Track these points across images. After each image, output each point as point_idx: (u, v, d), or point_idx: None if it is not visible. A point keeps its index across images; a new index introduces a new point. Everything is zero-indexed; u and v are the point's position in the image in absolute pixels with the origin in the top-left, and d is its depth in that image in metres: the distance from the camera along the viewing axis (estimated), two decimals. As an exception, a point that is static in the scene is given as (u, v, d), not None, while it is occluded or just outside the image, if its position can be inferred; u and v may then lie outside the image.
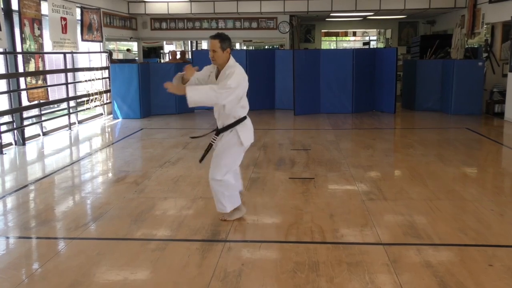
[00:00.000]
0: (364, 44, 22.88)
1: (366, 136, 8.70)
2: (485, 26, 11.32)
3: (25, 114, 8.47)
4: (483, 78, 10.85)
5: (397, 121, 10.55)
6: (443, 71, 11.18)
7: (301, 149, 7.50)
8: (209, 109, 12.73)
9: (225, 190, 4.22)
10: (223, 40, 4.06)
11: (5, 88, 7.97)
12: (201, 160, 4.34)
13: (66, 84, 9.80)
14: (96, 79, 11.09)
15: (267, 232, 4.21)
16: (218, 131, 4.24)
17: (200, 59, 12.28)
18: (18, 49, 8.21)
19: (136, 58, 15.24)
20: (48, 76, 9.20)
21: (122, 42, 15.27)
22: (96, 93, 10.94)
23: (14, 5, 8.14)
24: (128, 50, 15.39)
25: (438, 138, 8.46)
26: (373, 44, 22.34)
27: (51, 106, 9.76)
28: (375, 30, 21.38)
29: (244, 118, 4.20)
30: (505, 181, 5.94)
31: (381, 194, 5.13)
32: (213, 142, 4.25)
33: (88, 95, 10.68)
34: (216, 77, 4.15)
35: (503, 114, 10.19)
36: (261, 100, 11.87)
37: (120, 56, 15.54)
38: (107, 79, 11.54)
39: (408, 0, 12.87)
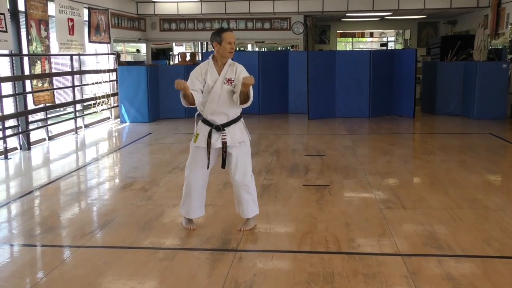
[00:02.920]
0: (382, 45, 22.69)
1: (384, 141, 8.55)
2: (509, 26, 11.08)
3: (31, 118, 8.38)
4: (508, 80, 10.59)
5: (416, 126, 10.39)
6: (465, 73, 10.96)
7: (316, 154, 7.36)
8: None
9: (254, 193, 4.25)
10: None
11: (10, 91, 7.90)
12: (223, 166, 4.21)
13: (73, 87, 9.74)
14: (104, 82, 11.03)
15: (279, 241, 4.10)
16: (221, 127, 4.11)
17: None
18: (24, 51, 8.15)
19: (145, 59, 15.18)
20: (54, 78, 9.14)
21: (130, 44, 15.23)
22: (103, 96, 10.87)
23: (21, 6, 8.08)
24: (137, 51, 15.34)
25: (459, 144, 8.31)
26: (391, 45, 22.11)
27: (57, 109, 9.68)
28: (393, 30, 21.14)
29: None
30: (531, 190, 5.79)
31: (399, 202, 4.99)
32: (226, 139, 4.11)
33: (95, 98, 10.61)
34: (219, 73, 4.12)
35: (529, 119, 9.96)
36: (274, 103, 11.75)
37: (129, 58, 15.50)
38: (115, 82, 11.47)
39: (428, 0, 12.66)
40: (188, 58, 12.51)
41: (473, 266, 3.53)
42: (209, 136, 4.10)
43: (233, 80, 4.07)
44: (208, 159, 4.14)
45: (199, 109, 4.19)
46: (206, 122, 4.14)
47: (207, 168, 4.21)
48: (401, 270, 3.44)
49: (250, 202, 4.20)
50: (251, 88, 3.97)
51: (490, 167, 6.61)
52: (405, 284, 3.24)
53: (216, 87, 4.06)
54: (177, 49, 18.16)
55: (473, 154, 7.36)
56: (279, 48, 16.40)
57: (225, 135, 4.10)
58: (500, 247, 3.83)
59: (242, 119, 4.25)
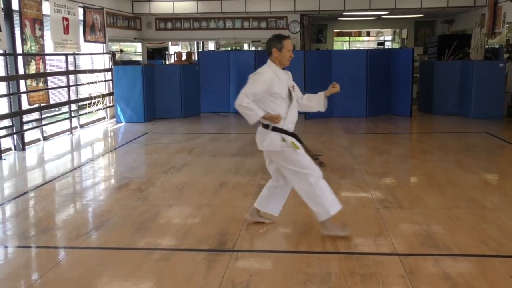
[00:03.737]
0: (379, 44, 22.66)
1: (381, 141, 8.55)
2: (506, 25, 11.09)
3: (25, 118, 8.33)
4: (505, 80, 10.59)
5: (413, 125, 10.40)
6: (462, 72, 10.96)
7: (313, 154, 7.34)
8: (215, 113, 12.59)
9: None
10: None
11: (4, 91, 7.84)
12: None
13: (68, 86, 9.68)
14: (99, 82, 10.98)
15: (276, 241, 4.10)
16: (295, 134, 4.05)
17: (206, 60, 12.22)
18: (19, 50, 8.10)
19: (129, 58, 15.11)
20: (49, 78, 9.08)
21: (126, 43, 15.17)
22: (98, 96, 10.81)
23: (15, 5, 8.03)
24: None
25: (456, 144, 8.30)
26: (388, 45, 22.08)
27: (52, 109, 9.63)
28: (390, 29, 21.10)
29: None
30: (528, 189, 5.77)
31: (396, 202, 4.98)
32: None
33: (90, 98, 10.56)
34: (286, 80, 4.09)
35: (527, 118, 9.95)
36: (270, 103, 11.72)
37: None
38: (110, 82, 11.42)
39: (425, -1, 12.66)
40: (184, 57, 12.47)
41: (470, 266, 3.52)
42: (301, 142, 4.01)
43: (294, 87, 4.08)
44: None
45: (283, 120, 3.99)
46: (287, 132, 3.97)
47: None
48: (398, 270, 3.43)
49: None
50: None
51: (487, 167, 6.61)
52: (402, 284, 3.23)
53: (293, 94, 4.04)
54: (173, 49, 18.11)
55: (470, 154, 7.35)
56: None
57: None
58: (497, 247, 3.82)
59: None
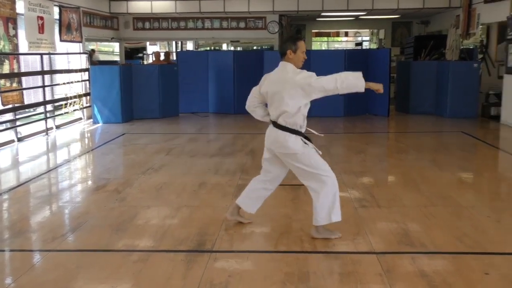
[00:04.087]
0: (357, 44, 22.85)
1: (359, 140, 8.62)
2: (480, 26, 11.29)
3: (-1, 118, 8.18)
4: (479, 80, 10.79)
5: (390, 125, 10.50)
6: (438, 73, 11.11)
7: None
8: (194, 113, 12.50)
9: None
10: None
11: (-22, 91, 7.68)
12: None
13: (43, 87, 9.52)
14: (75, 82, 10.83)
15: (255, 241, 4.09)
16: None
17: (185, 60, 12.16)
18: (-8, 50, 7.94)
19: (117, 60, 14.96)
20: (23, 78, 8.92)
21: (103, 43, 14.99)
22: (75, 97, 10.67)
23: (-12, 5, 7.87)
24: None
25: (433, 143, 8.43)
26: (365, 45, 22.29)
27: (27, 110, 9.46)
28: (368, 30, 21.33)
29: None
30: (501, 187, 5.90)
31: (374, 201, 5.02)
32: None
33: (66, 98, 10.40)
34: None
35: (499, 117, 10.11)
36: (249, 103, 11.72)
37: (101, 58, 15.21)
38: (87, 82, 11.27)
39: (401, 0, 12.80)
40: (162, 57, 12.38)
41: (445, 263, 3.56)
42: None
43: None
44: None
45: (302, 124, 3.96)
46: (302, 134, 3.96)
47: None
48: (375, 268, 3.46)
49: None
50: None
51: (462, 165, 6.71)
52: (379, 282, 3.26)
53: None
54: (151, 48, 17.98)
55: (446, 152, 7.47)
56: (255, 48, 16.38)
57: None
58: (472, 244, 3.88)
59: None
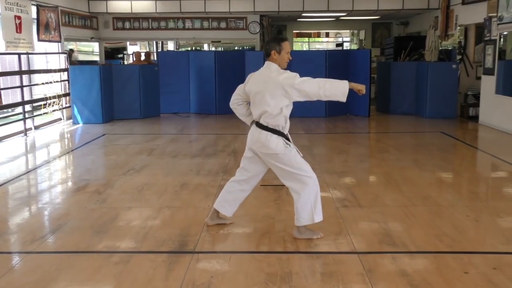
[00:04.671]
0: (337, 45, 22.95)
1: (340, 140, 8.67)
2: (458, 28, 11.46)
3: (-23, 119, 8.04)
4: (457, 80, 10.95)
5: (371, 125, 10.58)
6: (417, 73, 11.24)
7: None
8: (175, 113, 12.41)
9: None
10: None
11: (-46, 91, 7.53)
12: None
13: (21, 87, 9.37)
14: (54, 82, 10.68)
15: (237, 242, 4.09)
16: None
17: (165, 60, 12.10)
18: (-31, 49, 7.79)
19: (97, 60, 14.78)
20: (1, 78, 8.77)
21: (82, 43, 14.79)
22: (54, 97, 10.52)
23: (-36, 3, 7.72)
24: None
25: (413, 143, 8.52)
26: (346, 46, 22.42)
27: (5, 110, 9.30)
28: (348, 31, 21.45)
29: None
30: (480, 186, 5.99)
31: (355, 201, 5.06)
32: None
33: (45, 98, 10.25)
34: None
35: (478, 117, 10.27)
36: (230, 103, 11.70)
37: (80, 58, 15.01)
38: (66, 82, 11.13)
39: (381, 1, 12.91)
40: (143, 57, 12.30)
41: (426, 262, 3.61)
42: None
43: None
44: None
45: (283, 125, 3.94)
46: (283, 135, 3.95)
47: None
48: (357, 268, 3.49)
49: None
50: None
51: (442, 165, 6.80)
52: (361, 282, 3.28)
53: None
54: (131, 49, 17.81)
55: (426, 153, 7.56)
56: (236, 48, 16.36)
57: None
58: (452, 243, 3.94)
59: None
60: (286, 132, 3.97)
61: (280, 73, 3.84)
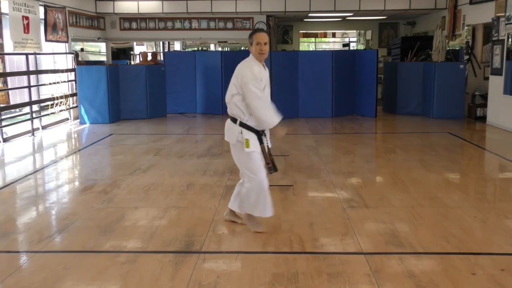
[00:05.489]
0: (344, 45, 22.89)
1: (347, 141, 8.64)
2: (466, 27, 11.40)
3: (-15, 118, 8.08)
4: (465, 81, 10.90)
5: (378, 126, 10.54)
6: (424, 74, 11.19)
7: (279, 155, 7.28)
8: (181, 113, 12.42)
9: None
10: (269, 34, 4.05)
11: (-37, 91, 7.58)
12: (275, 169, 4.15)
13: (29, 87, 9.42)
14: (62, 82, 10.72)
15: (244, 242, 4.08)
16: (262, 132, 4.09)
17: (172, 61, 12.11)
18: (-23, 50, 7.84)
19: (104, 60, 14.84)
20: (9, 78, 8.82)
21: (89, 43, 14.86)
22: (61, 97, 10.56)
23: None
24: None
25: (420, 143, 8.47)
26: (353, 46, 22.35)
27: (13, 110, 9.35)
28: (355, 31, 21.37)
29: None
30: (487, 187, 5.94)
31: (362, 201, 5.04)
32: (269, 144, 4.15)
33: (52, 99, 10.30)
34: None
35: (485, 118, 10.22)
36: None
37: (91, 58, 15.10)
38: (74, 82, 11.17)
39: (388, 1, 12.89)
40: (149, 58, 12.33)
41: (433, 263, 3.59)
42: (261, 142, 4.05)
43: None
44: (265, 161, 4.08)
45: (243, 115, 4.00)
46: (250, 128, 4.01)
47: (275, 170, 4.18)
48: (364, 268, 3.48)
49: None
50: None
51: (449, 166, 6.76)
52: (367, 282, 3.27)
53: (266, 91, 4.05)
54: (138, 49, 17.88)
55: (433, 153, 7.52)
56: (242, 48, 16.36)
57: (268, 139, 4.13)
58: (459, 244, 3.92)
59: None
60: (245, 122, 4.01)
61: (249, 67, 3.97)
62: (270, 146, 4.18)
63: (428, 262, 3.62)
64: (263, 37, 3.97)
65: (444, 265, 3.53)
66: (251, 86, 3.88)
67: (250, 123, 4.01)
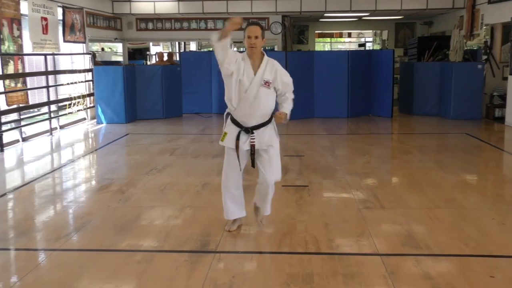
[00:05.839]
0: (360, 45, 22.76)
1: (362, 141, 8.59)
2: (484, 27, 11.24)
3: (4, 118, 8.19)
4: (483, 81, 10.74)
5: (394, 126, 10.47)
6: (441, 74, 11.07)
7: (294, 155, 7.33)
8: (197, 113, 12.46)
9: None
10: (262, 28, 3.90)
11: (-18, 92, 7.70)
12: (253, 165, 4.03)
13: (47, 87, 9.53)
14: (79, 82, 10.84)
15: (259, 242, 4.09)
16: (250, 129, 3.91)
17: (188, 60, 12.17)
18: (-4, 50, 7.95)
19: (120, 60, 14.97)
20: (28, 78, 8.94)
21: (106, 43, 15.00)
22: (78, 97, 10.68)
23: (-8, 5, 7.89)
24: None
25: (436, 144, 8.40)
26: (369, 46, 22.21)
27: (31, 110, 9.48)
28: (371, 31, 21.24)
29: None
30: (506, 189, 5.85)
31: (378, 202, 5.01)
32: (254, 142, 3.91)
33: (70, 98, 10.42)
34: (255, 72, 3.87)
35: (504, 118, 10.06)
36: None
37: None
38: (91, 82, 11.29)
39: (404, 0, 12.77)
40: (165, 58, 12.40)
41: (450, 265, 3.55)
42: (238, 138, 3.92)
43: (270, 83, 3.87)
44: (238, 160, 3.97)
45: (229, 107, 3.95)
46: (235, 122, 3.95)
47: (240, 170, 4.04)
48: (379, 270, 3.45)
49: (269, 202, 4.12)
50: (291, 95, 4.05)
51: (466, 167, 6.68)
52: (383, 284, 3.25)
53: (251, 89, 3.84)
54: (154, 49, 17.98)
55: (450, 154, 7.44)
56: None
57: (254, 138, 3.90)
58: (476, 246, 3.87)
59: (273, 121, 4.01)
60: (236, 117, 3.95)
61: (236, 54, 3.93)
62: (258, 146, 3.94)
63: (445, 264, 3.58)
64: (253, 30, 3.82)
65: (461, 267, 3.49)
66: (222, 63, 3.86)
67: (235, 116, 3.94)
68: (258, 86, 3.85)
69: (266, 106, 3.92)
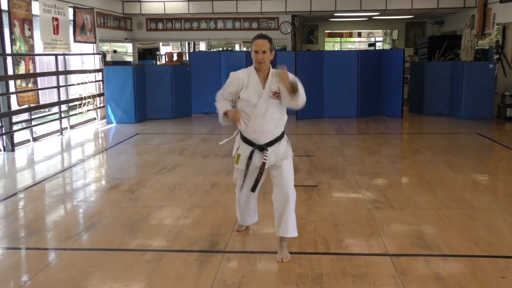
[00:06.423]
0: (370, 45, 22.69)
1: (372, 141, 8.55)
2: (496, 26, 11.13)
3: (15, 118, 8.26)
4: (494, 81, 10.65)
5: (404, 126, 10.41)
6: (452, 73, 10.99)
7: (304, 155, 7.32)
8: (206, 113, 12.47)
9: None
10: (271, 40, 3.67)
11: (-6, 92, 7.76)
12: (253, 189, 3.83)
13: (58, 87, 9.61)
14: (89, 82, 10.90)
15: (268, 242, 4.06)
16: (264, 147, 3.69)
17: (198, 61, 12.21)
18: (8, 50, 8.01)
19: (131, 60, 15.05)
20: (38, 79, 9.01)
21: (116, 44, 15.08)
22: (89, 97, 10.75)
23: (4, 5, 7.95)
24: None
25: (447, 144, 8.32)
26: (379, 46, 22.12)
27: (42, 110, 9.54)
28: (381, 30, 21.15)
29: None
30: (518, 189, 5.80)
31: (387, 202, 4.99)
32: (266, 161, 3.68)
33: (80, 98, 10.48)
34: (263, 85, 3.65)
35: (516, 118, 9.98)
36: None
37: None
38: (101, 82, 11.35)
39: (415, 0, 12.71)
40: (175, 58, 12.43)
41: (460, 266, 3.53)
42: (250, 157, 3.71)
43: (279, 93, 3.64)
44: (243, 181, 3.83)
45: (240, 126, 3.75)
46: (246, 141, 3.74)
47: (253, 191, 3.85)
48: (389, 270, 3.44)
49: (291, 219, 3.73)
50: (299, 85, 3.64)
51: (477, 167, 6.63)
52: (393, 284, 3.24)
53: (261, 103, 3.63)
54: (164, 49, 18.04)
55: (461, 154, 7.38)
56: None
57: (267, 156, 3.67)
58: (487, 247, 3.84)
59: (285, 135, 3.82)
60: (246, 135, 3.75)
61: (240, 71, 3.82)
62: (273, 161, 3.72)
63: (455, 264, 3.56)
64: (261, 45, 3.57)
65: (472, 268, 3.47)
66: (220, 90, 3.82)
67: (246, 134, 3.74)
68: (268, 98, 3.66)
69: (277, 118, 3.72)
